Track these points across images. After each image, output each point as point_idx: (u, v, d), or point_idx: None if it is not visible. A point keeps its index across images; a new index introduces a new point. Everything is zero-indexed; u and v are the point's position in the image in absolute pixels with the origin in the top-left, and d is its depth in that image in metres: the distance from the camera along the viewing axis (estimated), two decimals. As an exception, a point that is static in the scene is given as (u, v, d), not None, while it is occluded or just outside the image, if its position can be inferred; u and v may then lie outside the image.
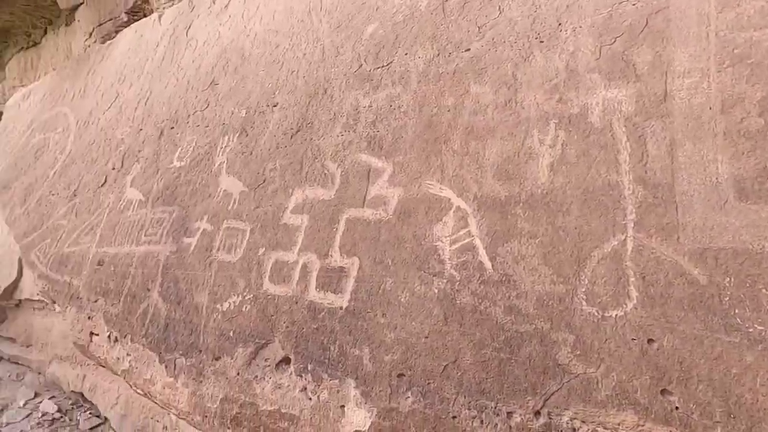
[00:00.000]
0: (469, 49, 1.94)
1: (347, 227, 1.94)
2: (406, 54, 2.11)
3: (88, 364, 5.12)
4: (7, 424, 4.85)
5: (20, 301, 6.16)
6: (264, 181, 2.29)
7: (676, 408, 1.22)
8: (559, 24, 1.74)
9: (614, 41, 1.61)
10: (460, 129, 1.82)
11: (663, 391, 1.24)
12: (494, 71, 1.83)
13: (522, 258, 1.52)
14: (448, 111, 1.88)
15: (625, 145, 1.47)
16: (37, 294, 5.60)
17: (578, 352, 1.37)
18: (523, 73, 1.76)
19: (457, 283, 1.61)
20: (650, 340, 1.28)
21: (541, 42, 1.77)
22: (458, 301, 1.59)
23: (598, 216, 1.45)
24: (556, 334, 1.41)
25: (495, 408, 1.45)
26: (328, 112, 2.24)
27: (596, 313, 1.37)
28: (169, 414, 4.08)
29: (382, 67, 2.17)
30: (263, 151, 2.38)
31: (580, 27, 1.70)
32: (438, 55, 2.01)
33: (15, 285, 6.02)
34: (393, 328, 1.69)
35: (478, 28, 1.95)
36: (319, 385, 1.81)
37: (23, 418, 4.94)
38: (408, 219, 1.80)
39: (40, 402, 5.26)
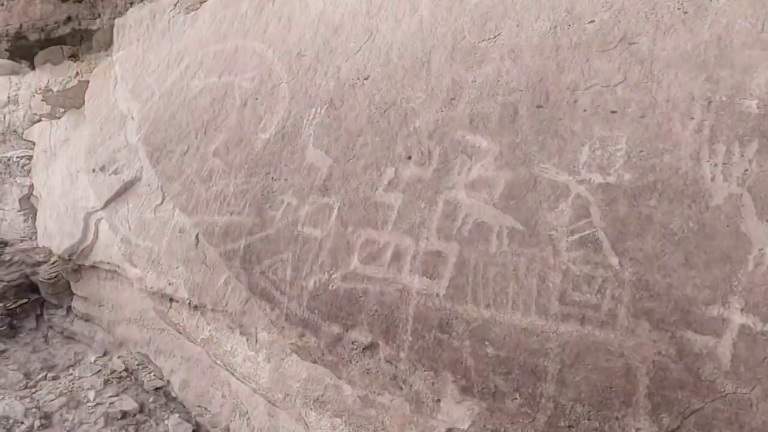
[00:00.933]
0: (593, 21, 1.74)
1: (445, 209, 1.81)
2: (517, 26, 1.94)
3: (154, 328, 5.31)
4: (80, 377, 5.13)
5: (94, 262, 6.47)
6: (354, 157, 2.19)
7: None
8: (710, -7, 1.52)
9: (782, 12, 1.38)
10: (581, 109, 1.64)
11: (842, 425, 1.06)
12: (625, 46, 1.64)
13: (656, 256, 1.35)
14: (567, 89, 1.70)
15: (795, 133, 1.26)
16: (109, 260, 5.84)
17: (727, 369, 1.19)
18: (662, 49, 1.56)
19: (576, 278, 1.45)
20: (825, 363, 1.09)
21: (686, 13, 1.55)
22: (576, 299, 1.43)
23: (755, 215, 1.25)
24: (699, 345, 1.23)
25: (620, 422, 1.29)
26: (425, 86, 2.11)
27: (752, 326, 1.18)
28: (228, 384, 4.16)
29: (488, 39, 2.00)
30: (353, 126, 2.28)
31: (737, -4, 1.47)
32: (555, 27, 1.83)
33: (91, 247, 6.32)
34: (498, 323, 1.55)
35: (605, -3, 1.75)
36: (411, 375, 1.70)
37: (93, 374, 5.20)
38: (517, 205, 1.65)
39: (110, 360, 5.52)
